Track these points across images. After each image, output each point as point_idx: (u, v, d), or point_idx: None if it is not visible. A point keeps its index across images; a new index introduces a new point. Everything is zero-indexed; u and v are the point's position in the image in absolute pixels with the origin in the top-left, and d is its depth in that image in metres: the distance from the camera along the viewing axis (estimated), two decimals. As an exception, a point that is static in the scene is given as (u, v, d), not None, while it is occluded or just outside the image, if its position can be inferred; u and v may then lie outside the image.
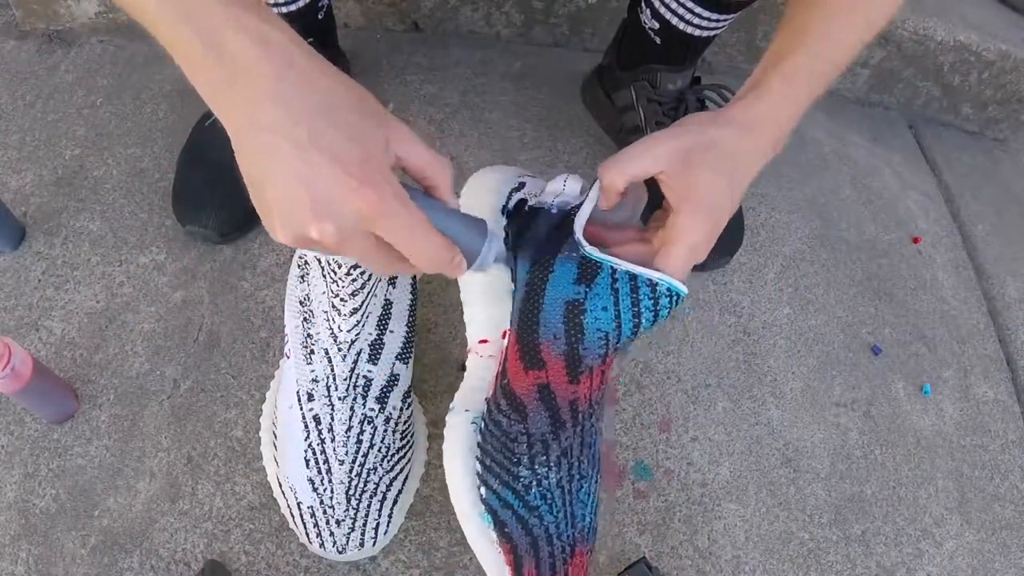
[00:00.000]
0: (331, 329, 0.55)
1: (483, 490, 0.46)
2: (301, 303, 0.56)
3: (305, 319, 0.56)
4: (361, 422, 0.55)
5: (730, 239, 0.79)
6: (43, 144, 0.79)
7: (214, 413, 0.64)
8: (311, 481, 0.55)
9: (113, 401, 0.64)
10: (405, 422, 0.58)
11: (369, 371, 0.56)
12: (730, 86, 0.79)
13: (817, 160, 0.98)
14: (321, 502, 0.55)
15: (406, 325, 0.57)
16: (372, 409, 0.56)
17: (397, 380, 0.57)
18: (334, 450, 0.55)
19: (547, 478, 0.46)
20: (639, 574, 0.57)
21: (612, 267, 0.45)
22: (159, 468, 0.61)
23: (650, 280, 0.44)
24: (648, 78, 0.79)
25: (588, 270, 0.46)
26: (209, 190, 0.71)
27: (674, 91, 0.79)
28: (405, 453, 0.59)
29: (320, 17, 0.75)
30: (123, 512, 0.59)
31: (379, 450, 0.56)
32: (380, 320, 0.56)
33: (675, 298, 0.45)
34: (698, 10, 0.71)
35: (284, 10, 0.71)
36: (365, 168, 0.36)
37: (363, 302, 0.54)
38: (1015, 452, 0.77)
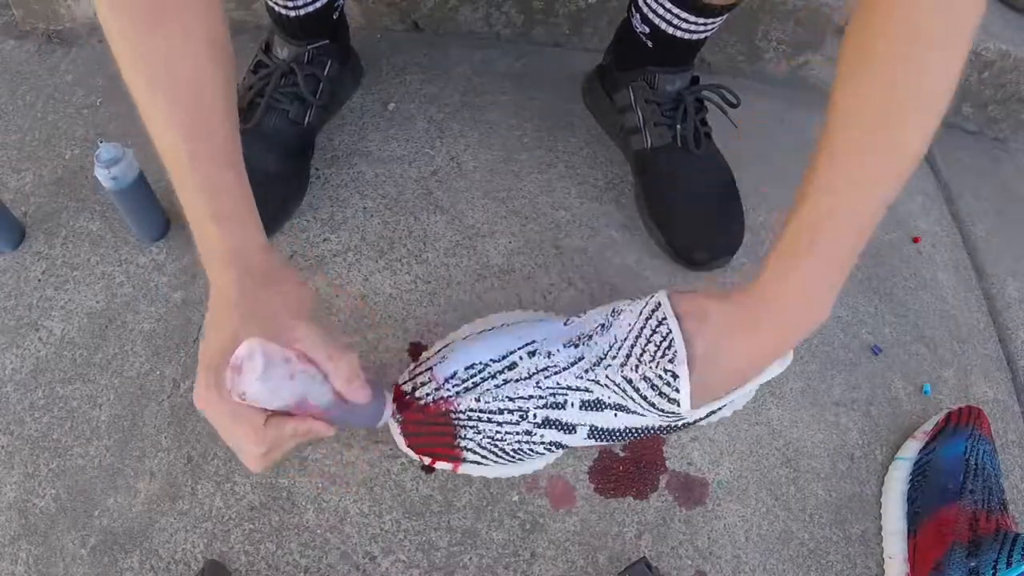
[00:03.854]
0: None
1: None
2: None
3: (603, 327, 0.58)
4: (518, 408, 0.57)
5: (730, 239, 0.79)
6: (43, 144, 0.79)
7: (214, 413, 0.64)
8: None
9: (113, 401, 0.64)
10: (527, 450, 0.59)
11: (567, 403, 0.57)
12: (728, 86, 0.80)
13: (817, 160, 0.97)
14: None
15: (594, 435, 0.58)
16: (535, 416, 0.57)
17: (571, 431, 0.58)
18: (482, 393, 0.57)
19: None
20: (639, 574, 0.57)
21: None
22: (159, 468, 0.61)
23: None
24: (646, 79, 0.79)
25: None
26: None
27: (672, 92, 0.79)
28: (494, 456, 0.60)
29: (336, 17, 0.76)
30: (123, 512, 0.59)
31: (491, 424, 0.58)
32: (604, 403, 0.56)
33: None
34: (684, 15, 0.71)
35: (303, 11, 0.71)
36: (207, 380, 0.46)
37: (642, 403, 0.55)
38: (1015, 452, 0.77)
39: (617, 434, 0.58)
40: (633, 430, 0.58)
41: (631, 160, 0.85)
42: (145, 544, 0.58)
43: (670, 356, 0.51)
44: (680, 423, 0.57)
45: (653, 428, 0.57)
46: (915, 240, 0.92)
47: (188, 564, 0.57)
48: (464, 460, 0.60)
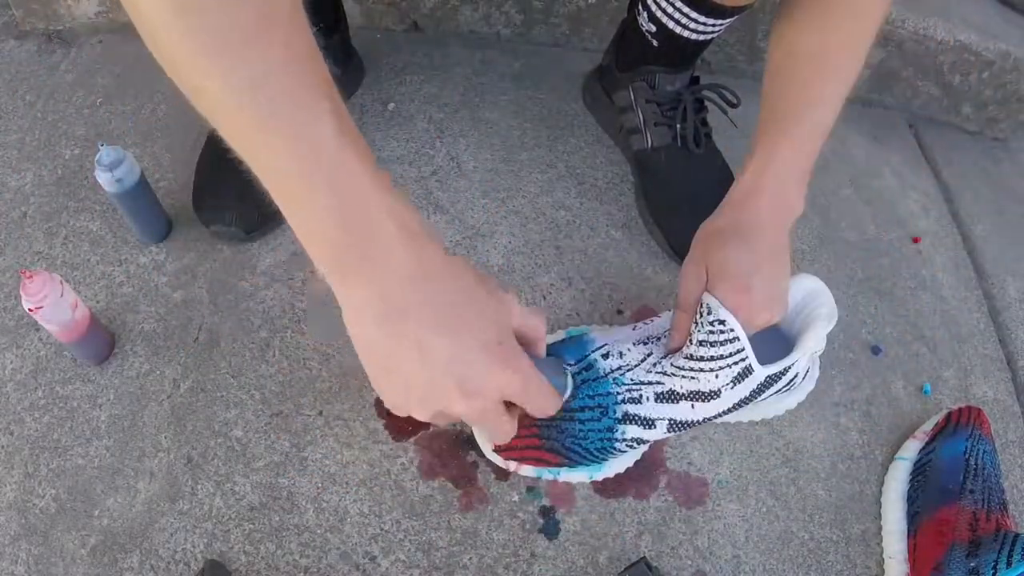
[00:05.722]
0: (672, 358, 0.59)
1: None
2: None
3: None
4: (599, 405, 0.58)
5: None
6: (43, 144, 0.79)
7: (214, 413, 0.64)
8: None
9: (113, 401, 0.64)
10: (610, 447, 0.60)
11: (643, 397, 0.59)
12: (728, 86, 0.80)
13: (817, 160, 0.97)
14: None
15: (687, 420, 0.60)
16: (615, 411, 0.58)
17: (650, 426, 0.59)
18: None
19: None
20: (639, 574, 0.57)
21: None
22: (159, 468, 0.61)
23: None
24: (647, 79, 0.79)
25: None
26: (229, 190, 0.71)
27: (672, 92, 0.79)
28: (579, 455, 0.60)
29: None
30: (123, 512, 0.59)
31: (574, 424, 0.59)
32: (678, 394, 0.59)
33: None
34: (694, 15, 0.71)
35: None
36: (505, 348, 0.40)
37: (709, 367, 0.57)
38: (1015, 452, 0.77)
39: (696, 425, 0.61)
40: (711, 419, 0.60)
41: (631, 160, 0.85)
42: (145, 544, 0.58)
43: (706, 311, 0.56)
44: (752, 385, 0.59)
45: (728, 408, 0.60)
46: (915, 240, 0.92)
47: (188, 564, 0.57)
48: (548, 463, 0.61)
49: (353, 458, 0.63)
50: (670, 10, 0.71)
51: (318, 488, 0.62)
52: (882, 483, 0.71)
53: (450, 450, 0.65)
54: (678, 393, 0.59)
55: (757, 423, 0.71)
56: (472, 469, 0.64)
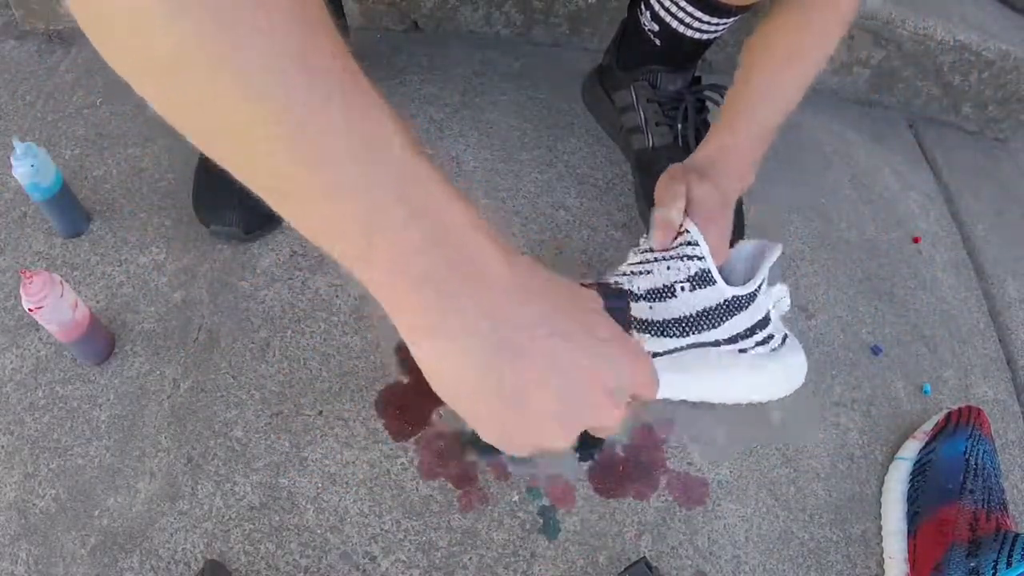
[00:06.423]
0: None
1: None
2: None
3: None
4: None
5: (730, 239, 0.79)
6: (43, 144, 0.79)
7: (214, 413, 0.64)
8: None
9: (113, 401, 0.64)
10: None
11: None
12: (729, 86, 0.80)
13: (817, 160, 0.98)
14: None
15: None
16: None
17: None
18: None
19: None
20: (639, 574, 0.57)
21: None
22: (159, 468, 0.61)
23: None
24: (648, 78, 0.79)
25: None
26: (229, 189, 0.71)
27: (674, 91, 0.79)
28: None
29: None
30: (123, 512, 0.59)
31: None
32: (635, 295, 0.62)
33: None
34: (697, 14, 0.71)
35: None
36: (625, 340, 0.35)
37: (661, 257, 0.62)
38: (1015, 452, 0.77)
39: (655, 328, 0.62)
40: (670, 322, 0.62)
41: (632, 159, 0.85)
42: (145, 544, 0.58)
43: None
44: (717, 298, 0.60)
45: (690, 317, 0.62)
46: (915, 240, 0.92)
47: (188, 564, 0.57)
48: None
49: (353, 458, 0.63)
50: (674, 9, 0.71)
51: (318, 488, 0.62)
52: (882, 483, 0.71)
53: (450, 450, 0.65)
54: (636, 294, 0.62)
55: (757, 424, 0.71)
56: (472, 469, 0.64)
